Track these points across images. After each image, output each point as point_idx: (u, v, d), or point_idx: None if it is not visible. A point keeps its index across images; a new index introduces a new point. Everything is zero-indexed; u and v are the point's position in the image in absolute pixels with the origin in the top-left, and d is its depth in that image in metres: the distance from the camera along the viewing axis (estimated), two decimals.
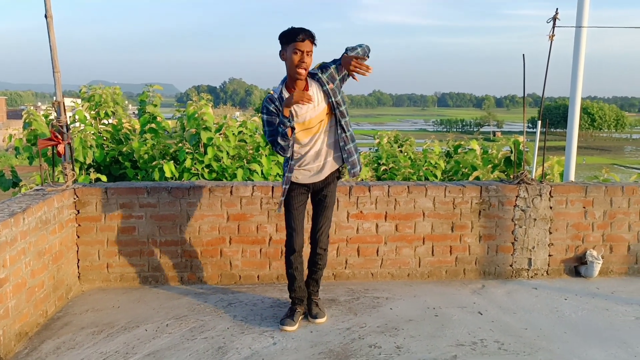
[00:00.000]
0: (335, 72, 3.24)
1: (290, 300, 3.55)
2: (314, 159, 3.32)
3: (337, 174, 3.46)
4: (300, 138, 3.28)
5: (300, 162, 3.33)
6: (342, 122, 3.29)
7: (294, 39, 3.08)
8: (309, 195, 3.47)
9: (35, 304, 3.39)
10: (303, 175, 3.35)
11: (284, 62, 3.20)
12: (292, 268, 3.44)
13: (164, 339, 3.25)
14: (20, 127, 7.36)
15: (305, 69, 3.13)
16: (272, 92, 3.28)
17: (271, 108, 3.22)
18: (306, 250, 3.50)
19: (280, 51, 3.18)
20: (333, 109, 3.26)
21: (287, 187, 3.36)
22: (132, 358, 3.02)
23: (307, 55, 3.11)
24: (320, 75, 3.22)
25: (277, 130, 3.20)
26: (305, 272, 3.57)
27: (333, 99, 3.23)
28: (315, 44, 3.16)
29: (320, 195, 3.44)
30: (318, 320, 3.49)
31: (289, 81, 3.24)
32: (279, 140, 3.20)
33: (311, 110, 3.21)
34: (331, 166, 3.37)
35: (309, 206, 3.52)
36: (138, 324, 3.46)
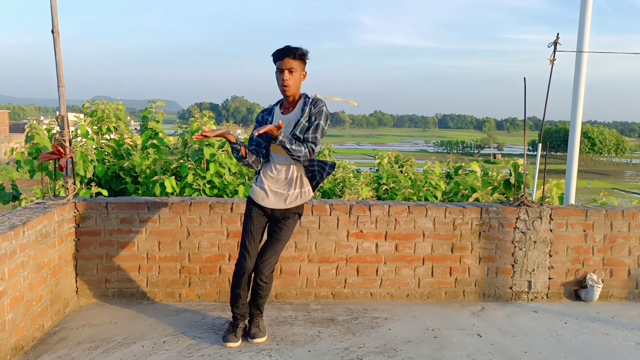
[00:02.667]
0: (311, 114, 3.24)
1: (232, 315, 3.49)
2: (284, 184, 3.30)
3: (298, 212, 3.40)
4: (277, 152, 3.27)
5: (270, 180, 3.31)
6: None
7: (275, 59, 3.18)
8: (267, 223, 3.44)
9: (32, 317, 3.37)
10: (265, 197, 3.32)
11: None
12: (239, 288, 3.38)
13: (160, 356, 3.22)
14: (23, 140, 7.39)
15: (287, 86, 3.16)
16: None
17: (259, 117, 3.40)
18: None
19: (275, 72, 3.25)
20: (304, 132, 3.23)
21: (250, 196, 3.39)
22: None
23: (290, 72, 3.14)
24: (309, 105, 3.23)
25: (250, 140, 3.35)
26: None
27: (304, 121, 3.20)
28: (302, 59, 3.17)
29: (276, 226, 3.37)
30: (256, 340, 3.41)
31: (283, 99, 3.33)
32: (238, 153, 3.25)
33: (287, 129, 3.22)
34: (296, 199, 3.33)
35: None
36: (135, 340, 3.43)
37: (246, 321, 3.51)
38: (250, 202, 3.40)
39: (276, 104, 3.39)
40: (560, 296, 4.43)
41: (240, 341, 3.39)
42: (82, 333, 3.54)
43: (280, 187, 3.31)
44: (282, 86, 3.16)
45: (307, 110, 3.22)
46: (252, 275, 3.35)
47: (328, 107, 3.28)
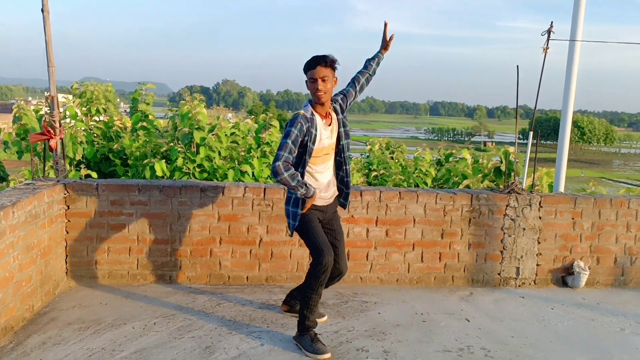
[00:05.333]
0: (343, 102, 3.37)
1: (307, 326, 3.21)
2: (326, 189, 3.31)
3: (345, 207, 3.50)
4: (317, 163, 3.23)
5: (316, 187, 3.25)
6: (345, 155, 3.32)
7: (307, 69, 3.14)
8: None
9: (22, 298, 3.36)
10: (319, 199, 3.29)
11: None
12: (322, 286, 3.19)
13: (151, 337, 3.24)
14: (10, 121, 7.31)
15: (323, 94, 3.12)
16: (302, 112, 3.15)
17: (305, 128, 3.09)
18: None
19: (305, 81, 3.21)
20: (340, 140, 3.30)
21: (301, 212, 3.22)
22: (118, 355, 3.00)
23: (323, 80, 3.10)
24: (334, 104, 3.31)
25: (290, 151, 3.06)
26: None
27: (342, 129, 3.29)
28: (332, 66, 3.14)
29: (330, 226, 3.38)
30: (325, 318, 3.57)
31: (316, 106, 3.21)
32: (286, 175, 3.02)
33: (327, 139, 3.23)
34: (335, 195, 3.41)
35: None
36: (125, 322, 3.44)
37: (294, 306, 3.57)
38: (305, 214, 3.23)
39: (311, 113, 3.16)
40: (547, 282, 4.49)
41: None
42: (72, 314, 3.53)
43: (324, 191, 3.30)
44: (318, 95, 3.12)
45: (337, 107, 3.32)
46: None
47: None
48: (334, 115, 3.29)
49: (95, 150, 7.38)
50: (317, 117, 3.18)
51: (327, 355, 3.08)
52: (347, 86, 3.54)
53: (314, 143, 3.14)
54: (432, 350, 3.23)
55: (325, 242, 3.16)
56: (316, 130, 3.15)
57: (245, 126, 7.68)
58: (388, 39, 3.62)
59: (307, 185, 3.10)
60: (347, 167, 3.36)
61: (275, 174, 3.02)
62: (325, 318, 3.59)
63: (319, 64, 3.10)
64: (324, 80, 3.10)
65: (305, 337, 3.17)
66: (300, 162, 3.16)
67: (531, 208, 4.38)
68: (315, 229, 3.20)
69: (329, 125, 3.24)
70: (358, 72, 3.57)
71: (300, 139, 3.08)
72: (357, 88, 3.53)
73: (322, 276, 3.13)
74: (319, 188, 3.24)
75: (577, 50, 4.96)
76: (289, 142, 3.03)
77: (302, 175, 3.16)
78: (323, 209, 3.31)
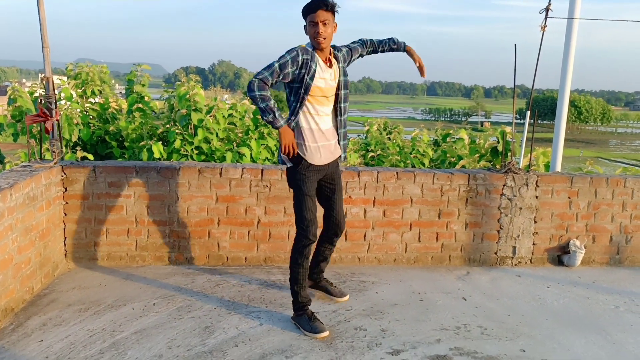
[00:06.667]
0: (347, 54, 3.31)
1: (302, 305, 3.22)
2: (326, 138, 3.19)
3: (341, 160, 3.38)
4: (316, 104, 3.11)
5: (309, 135, 3.13)
6: (342, 105, 3.24)
7: (307, 12, 3.03)
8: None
9: (22, 280, 3.38)
10: (323, 154, 3.17)
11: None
12: (307, 259, 3.22)
13: (151, 318, 3.26)
14: (5, 103, 7.25)
15: (324, 39, 3.02)
16: (303, 45, 3.09)
17: (299, 58, 2.99)
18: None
19: (304, 26, 3.10)
20: (338, 89, 3.20)
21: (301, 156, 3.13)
22: (119, 335, 3.03)
23: (324, 24, 3.00)
24: (337, 52, 3.23)
25: (273, 73, 2.97)
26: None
27: (342, 78, 3.20)
28: (333, 11, 3.03)
29: (330, 179, 3.32)
30: (345, 298, 3.61)
31: (316, 51, 3.10)
32: (258, 93, 2.95)
33: (328, 81, 3.13)
34: (337, 147, 3.30)
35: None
36: (125, 302, 3.46)
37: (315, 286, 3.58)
38: (299, 166, 3.14)
39: (313, 52, 3.07)
40: (543, 261, 4.53)
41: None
42: (72, 295, 3.56)
43: (329, 138, 3.21)
44: (318, 39, 3.01)
45: (339, 55, 3.24)
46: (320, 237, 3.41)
47: None
48: (334, 62, 3.19)
49: (91, 132, 7.35)
50: (318, 58, 3.09)
51: (326, 334, 3.11)
52: (355, 43, 3.42)
53: (312, 79, 3.03)
54: (429, 329, 3.26)
55: (313, 218, 3.16)
56: (316, 66, 3.05)
57: (243, 107, 7.64)
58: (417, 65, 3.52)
59: (277, 114, 2.98)
60: (343, 117, 3.26)
61: (249, 89, 2.96)
62: (347, 297, 3.62)
63: (320, 7, 2.98)
64: (325, 24, 3.00)
65: (303, 317, 3.19)
66: (297, 98, 3.07)
67: (528, 187, 4.39)
68: (308, 202, 3.16)
69: (330, 67, 3.14)
70: (371, 39, 3.47)
71: (292, 69, 2.98)
72: (365, 50, 3.43)
73: (305, 250, 3.18)
74: (318, 134, 3.14)
75: (574, 29, 4.92)
76: (276, 64, 2.96)
77: (297, 114, 3.07)
78: (322, 168, 3.21)
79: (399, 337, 3.14)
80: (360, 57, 3.47)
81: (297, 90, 3.07)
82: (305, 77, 3.02)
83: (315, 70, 3.04)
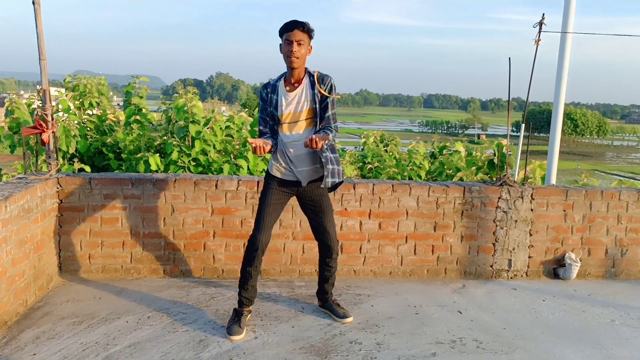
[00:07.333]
0: (322, 99, 3.21)
1: (239, 301, 3.37)
2: (301, 163, 3.24)
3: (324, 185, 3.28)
4: (283, 131, 3.24)
5: (281, 158, 3.28)
6: (322, 125, 3.23)
7: (284, 31, 3.11)
8: (294, 198, 3.43)
9: (15, 293, 3.36)
10: (282, 172, 3.30)
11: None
12: (252, 266, 3.29)
13: (145, 331, 3.25)
14: (2, 115, 7.25)
15: (296, 59, 3.09)
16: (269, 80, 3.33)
17: (263, 94, 3.28)
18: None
19: (279, 45, 3.17)
20: (315, 116, 3.22)
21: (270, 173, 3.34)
22: (112, 349, 3.01)
23: (298, 44, 3.07)
24: (315, 78, 3.20)
25: (262, 119, 3.31)
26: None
27: (317, 105, 3.19)
28: (310, 34, 3.11)
29: (309, 200, 3.36)
30: (348, 320, 3.47)
31: (287, 74, 3.22)
32: (261, 127, 3.34)
33: (293, 105, 3.19)
34: (311, 175, 3.29)
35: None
36: (119, 316, 3.44)
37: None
38: (270, 178, 3.34)
39: (278, 80, 3.26)
40: (539, 274, 4.52)
41: (244, 333, 3.22)
42: (65, 308, 3.54)
43: (295, 163, 3.26)
44: (290, 58, 3.09)
45: (317, 87, 3.18)
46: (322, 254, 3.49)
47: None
48: (306, 83, 3.20)
49: (88, 144, 7.35)
50: (281, 83, 3.22)
51: (237, 337, 3.17)
52: (326, 119, 3.27)
53: (275, 109, 3.22)
54: (424, 342, 3.25)
55: (266, 223, 3.26)
56: (277, 95, 3.22)
57: (240, 119, 7.65)
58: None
59: (265, 139, 3.21)
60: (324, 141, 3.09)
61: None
62: (350, 319, 3.49)
63: (297, 27, 3.09)
64: (299, 44, 3.09)
65: (233, 313, 3.36)
66: (271, 126, 3.30)
67: (523, 200, 4.40)
68: (263, 210, 3.30)
69: (293, 91, 3.18)
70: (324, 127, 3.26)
71: (267, 106, 3.26)
72: (325, 123, 3.26)
73: (250, 255, 3.27)
74: (285, 159, 3.27)
75: (568, 42, 4.98)
76: (260, 114, 3.30)
77: (276, 144, 3.27)
78: (289, 184, 3.30)
79: (394, 351, 3.13)
80: (323, 121, 3.27)
81: (271, 119, 3.29)
82: (269, 108, 3.26)
83: (276, 101, 3.23)
